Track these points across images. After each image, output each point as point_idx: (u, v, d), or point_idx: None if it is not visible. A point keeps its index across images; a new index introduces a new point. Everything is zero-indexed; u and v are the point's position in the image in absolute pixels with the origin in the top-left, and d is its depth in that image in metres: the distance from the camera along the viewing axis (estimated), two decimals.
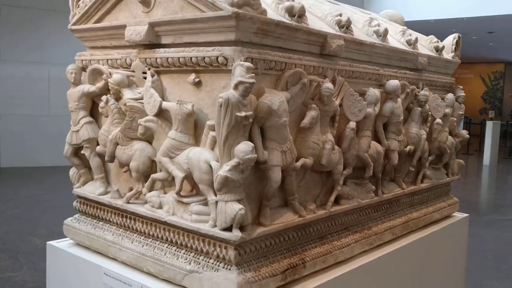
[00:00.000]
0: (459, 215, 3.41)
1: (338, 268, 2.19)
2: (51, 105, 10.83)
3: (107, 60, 2.16)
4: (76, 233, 2.33)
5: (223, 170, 1.66)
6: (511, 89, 27.45)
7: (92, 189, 2.27)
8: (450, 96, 3.08)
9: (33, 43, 10.72)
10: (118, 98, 2.11)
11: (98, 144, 2.22)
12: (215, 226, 1.74)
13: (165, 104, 1.89)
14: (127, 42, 1.99)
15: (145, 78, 2.00)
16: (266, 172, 1.81)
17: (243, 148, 1.65)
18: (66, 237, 2.41)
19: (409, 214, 2.83)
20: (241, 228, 1.72)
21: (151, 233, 2.02)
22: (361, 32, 2.44)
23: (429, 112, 2.86)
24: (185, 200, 1.86)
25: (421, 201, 3.00)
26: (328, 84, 2.04)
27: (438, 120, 2.92)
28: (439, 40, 3.14)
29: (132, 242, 2.08)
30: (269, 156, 1.79)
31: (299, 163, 1.94)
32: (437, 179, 3.09)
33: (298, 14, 1.91)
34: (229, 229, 1.71)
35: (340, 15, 2.20)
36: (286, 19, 1.88)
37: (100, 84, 2.18)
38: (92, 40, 2.24)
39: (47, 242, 2.40)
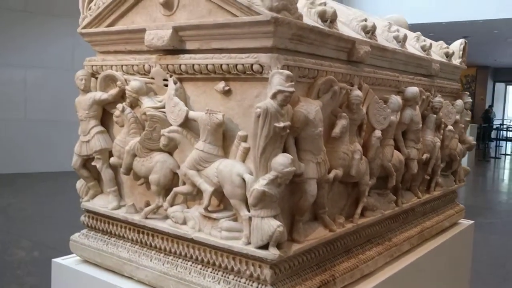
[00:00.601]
0: (465, 222, 3.39)
1: (364, 282, 2.11)
2: (27, 109, 10.47)
3: (122, 66, 2.03)
4: (84, 249, 2.18)
5: (259, 184, 1.55)
6: (482, 92, 28.09)
7: (103, 203, 2.13)
8: (459, 102, 3.06)
9: (9, 45, 10.34)
10: (133, 106, 1.98)
11: (110, 155, 2.09)
12: (249, 243, 1.63)
13: (192, 114, 1.76)
14: (148, 47, 1.86)
15: (166, 85, 1.88)
16: (301, 185, 1.71)
17: (282, 160, 1.55)
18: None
19: (423, 223, 2.78)
20: (277, 246, 1.61)
21: (172, 250, 1.89)
22: (381, 37, 2.37)
23: (442, 119, 2.81)
24: (214, 215, 1.74)
25: (433, 209, 2.95)
26: (357, 92, 1.96)
27: (450, 127, 2.88)
28: (448, 46, 3.10)
29: (151, 260, 1.95)
30: (305, 169, 1.70)
31: (331, 175, 1.85)
32: (447, 187, 3.05)
33: (331, 19, 1.83)
34: (264, 246, 1.60)
35: (365, 20, 2.12)
36: (319, 24, 1.79)
37: (113, 91, 2.05)
38: (104, 44, 2.10)
39: (52, 260, 2.24)
